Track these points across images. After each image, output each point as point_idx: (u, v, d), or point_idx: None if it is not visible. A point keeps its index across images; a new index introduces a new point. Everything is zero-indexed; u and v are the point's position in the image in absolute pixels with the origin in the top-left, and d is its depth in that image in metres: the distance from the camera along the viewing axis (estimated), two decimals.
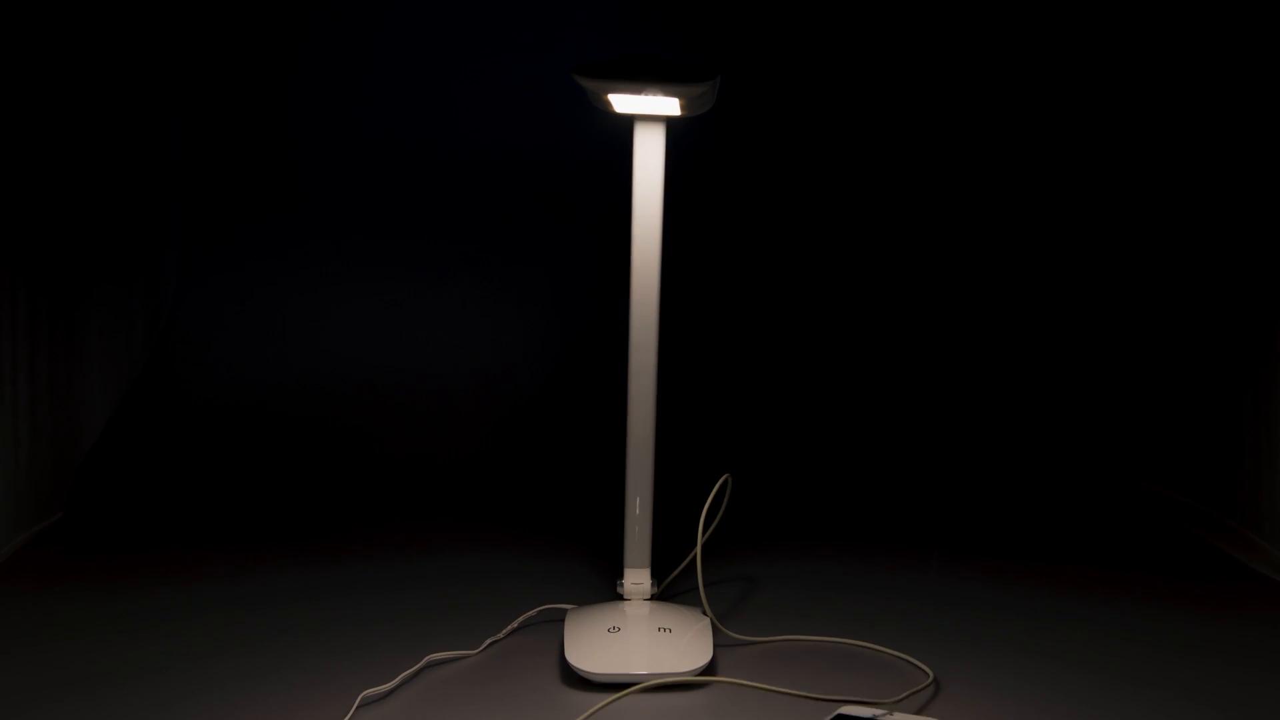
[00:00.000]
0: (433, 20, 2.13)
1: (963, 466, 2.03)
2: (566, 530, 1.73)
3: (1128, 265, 2.02)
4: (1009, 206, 2.16)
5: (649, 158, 1.29)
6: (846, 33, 2.16)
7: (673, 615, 1.32)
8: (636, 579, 1.35)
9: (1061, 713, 1.15)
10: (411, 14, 2.12)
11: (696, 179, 2.02)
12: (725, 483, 1.37)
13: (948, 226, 2.18)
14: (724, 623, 1.35)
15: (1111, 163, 2.05)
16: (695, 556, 1.34)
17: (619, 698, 1.15)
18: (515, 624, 1.35)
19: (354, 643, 1.30)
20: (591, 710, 1.11)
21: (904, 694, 1.18)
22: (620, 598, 1.36)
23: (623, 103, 1.25)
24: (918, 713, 1.14)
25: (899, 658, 1.28)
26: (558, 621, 1.34)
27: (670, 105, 1.25)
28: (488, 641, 1.30)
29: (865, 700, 1.16)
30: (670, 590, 1.44)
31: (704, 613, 1.33)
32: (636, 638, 1.28)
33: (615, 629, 1.28)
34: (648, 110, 1.27)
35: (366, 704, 1.15)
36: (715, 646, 1.26)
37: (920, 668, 1.24)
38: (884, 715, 1.12)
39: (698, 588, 1.33)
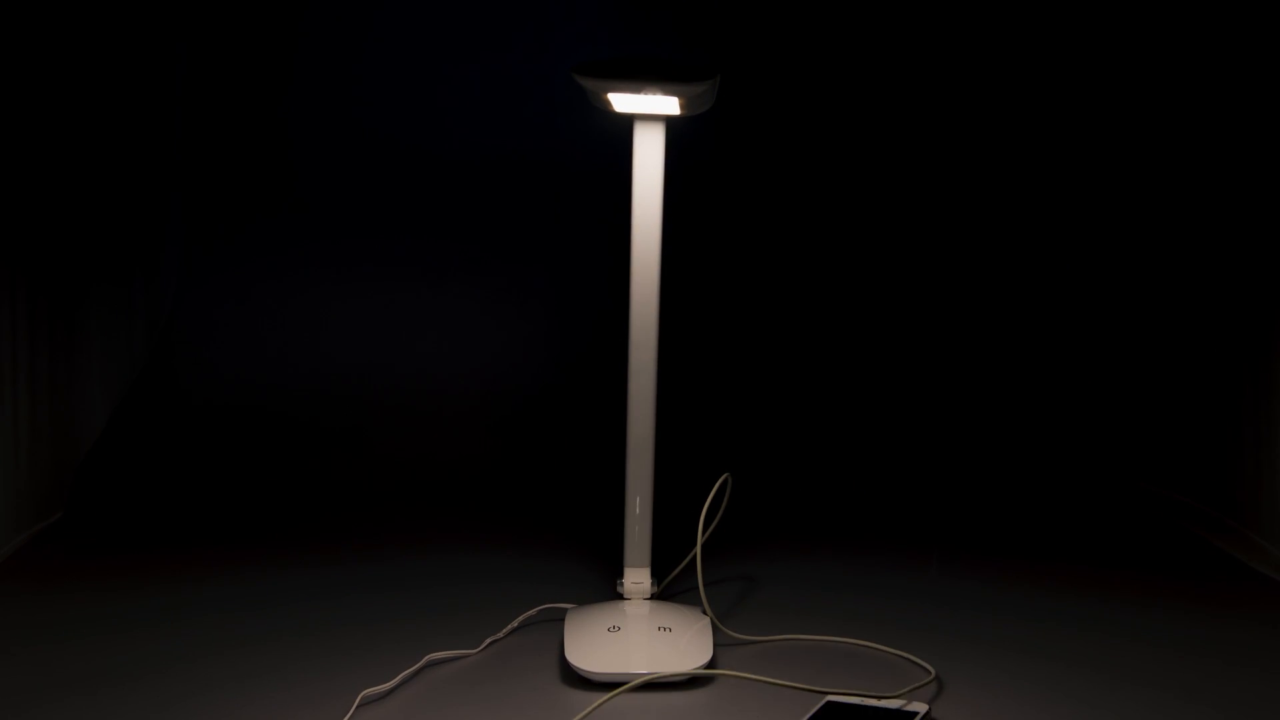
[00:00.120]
0: (432, 20, 2.13)
1: (963, 466, 2.03)
2: (566, 530, 1.73)
3: (1128, 265, 2.02)
4: (1009, 207, 2.16)
5: (649, 157, 1.29)
6: (846, 33, 2.16)
7: (673, 615, 1.32)
8: (636, 578, 1.35)
9: (1062, 713, 1.15)
10: (411, 14, 2.12)
11: (696, 179, 2.02)
12: (725, 482, 1.37)
13: (948, 227, 2.18)
14: (724, 622, 1.35)
15: (1111, 163, 2.05)
16: (695, 556, 1.35)
17: (615, 695, 1.15)
18: (515, 623, 1.35)
19: (354, 642, 1.30)
20: (589, 709, 1.11)
21: (906, 689, 1.18)
22: (620, 597, 1.36)
23: (622, 102, 1.25)
24: (931, 706, 1.15)
25: (901, 657, 1.28)
26: (558, 621, 1.34)
27: (670, 105, 1.25)
28: (488, 641, 1.30)
29: (855, 691, 1.16)
30: (670, 590, 1.44)
31: (704, 612, 1.33)
32: (636, 637, 1.28)
33: (615, 628, 1.28)
34: (647, 110, 1.27)
35: (366, 703, 1.15)
36: (715, 646, 1.26)
37: (922, 666, 1.24)
38: (872, 700, 1.13)
39: (698, 587, 1.33)
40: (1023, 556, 1.65)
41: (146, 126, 2.02)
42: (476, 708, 1.15)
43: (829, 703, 1.14)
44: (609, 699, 1.13)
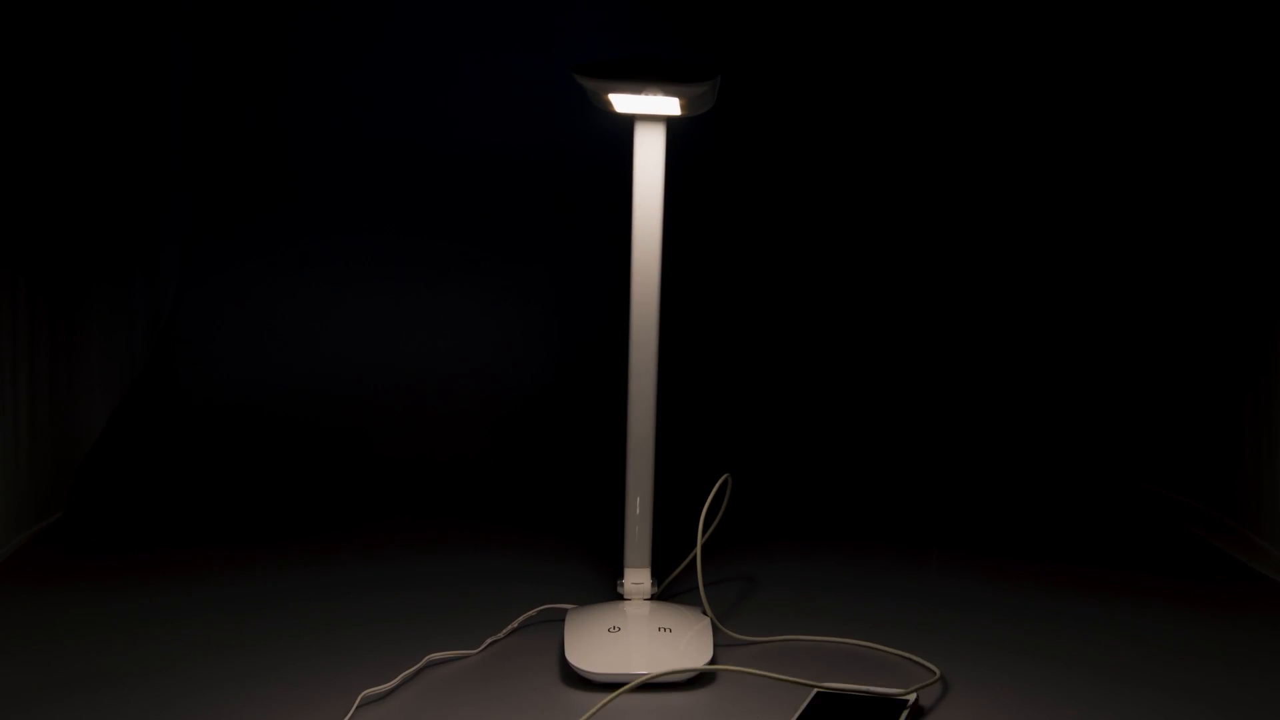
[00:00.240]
0: (432, 19, 2.13)
1: (962, 466, 2.03)
2: (567, 530, 1.73)
3: (1128, 266, 2.02)
4: (1009, 207, 2.16)
5: (649, 157, 1.29)
6: (846, 33, 2.16)
7: (673, 615, 1.32)
8: (637, 579, 1.35)
9: (1062, 713, 1.15)
10: (411, 13, 2.12)
11: (696, 179, 2.02)
12: (725, 483, 1.37)
13: (948, 227, 2.18)
14: (724, 623, 1.35)
15: (1112, 163, 2.05)
16: (695, 556, 1.35)
17: (615, 696, 1.15)
18: (515, 624, 1.35)
19: (354, 643, 1.30)
20: (593, 710, 1.11)
21: (912, 688, 1.18)
22: (620, 597, 1.36)
23: (623, 102, 1.25)
24: (932, 708, 1.15)
25: (903, 657, 1.28)
26: (558, 621, 1.34)
27: (670, 105, 1.25)
28: (488, 641, 1.30)
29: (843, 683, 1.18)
30: (670, 590, 1.44)
31: (704, 613, 1.33)
32: (637, 637, 1.28)
33: (615, 629, 1.28)
34: (648, 110, 1.27)
35: (366, 703, 1.15)
36: (715, 646, 1.26)
37: (926, 666, 1.25)
38: (862, 690, 1.15)
39: (698, 587, 1.33)
40: (1023, 556, 1.65)
41: (146, 126, 2.02)
42: (476, 708, 1.15)
43: (819, 693, 1.15)
44: (611, 699, 1.13)
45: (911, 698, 1.15)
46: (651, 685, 1.18)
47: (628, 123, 1.29)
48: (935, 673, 1.23)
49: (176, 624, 1.36)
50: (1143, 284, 1.99)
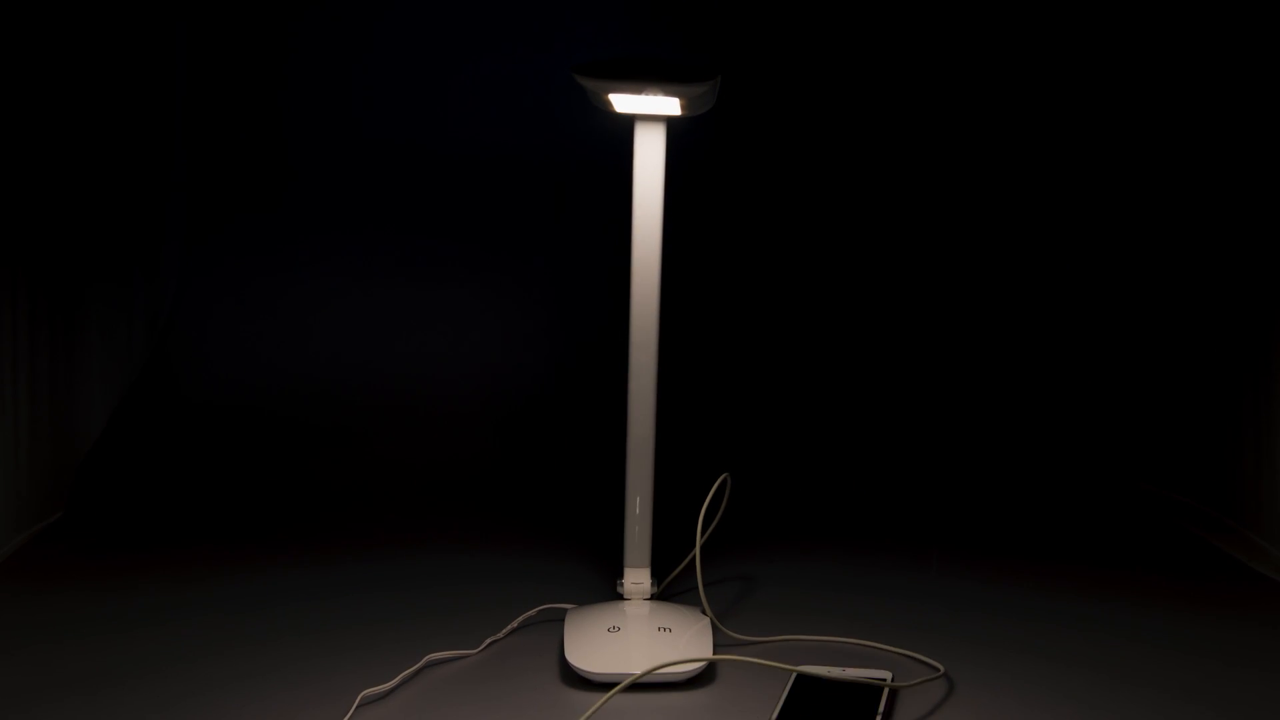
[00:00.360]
0: (432, 18, 2.13)
1: (962, 466, 2.03)
2: (566, 530, 1.73)
3: (1128, 266, 2.02)
4: (1009, 207, 2.16)
5: (649, 157, 1.29)
6: (846, 33, 2.16)
7: (673, 615, 1.32)
8: (636, 578, 1.35)
9: (1062, 713, 1.15)
10: (411, 12, 2.12)
11: (696, 179, 2.02)
12: (724, 482, 1.37)
13: (948, 227, 2.18)
14: (724, 622, 1.35)
15: (1112, 163, 2.05)
16: (695, 556, 1.35)
17: (615, 693, 1.15)
18: (515, 624, 1.35)
19: (354, 642, 1.30)
20: (593, 709, 1.11)
21: (916, 681, 1.19)
22: (620, 597, 1.36)
23: (623, 102, 1.25)
24: (931, 709, 1.15)
25: (907, 655, 1.28)
26: (557, 621, 1.34)
27: (670, 105, 1.25)
28: (487, 641, 1.30)
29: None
30: (670, 590, 1.44)
31: (704, 612, 1.33)
32: (636, 637, 1.28)
33: (615, 628, 1.28)
34: (648, 110, 1.27)
35: (366, 703, 1.15)
36: (715, 646, 1.26)
37: (930, 664, 1.25)
38: (839, 672, 1.18)
39: (697, 587, 1.33)
40: (1023, 556, 1.65)
41: (146, 125, 2.02)
42: (476, 708, 1.15)
43: (800, 675, 1.17)
44: (610, 696, 1.13)
45: (888, 675, 1.18)
46: (652, 685, 1.18)
47: (628, 123, 1.29)
48: (939, 669, 1.23)
49: (176, 624, 1.36)
50: (1142, 285, 1.99)
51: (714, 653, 1.24)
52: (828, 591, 1.49)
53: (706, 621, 1.31)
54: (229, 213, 2.14)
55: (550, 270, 2.17)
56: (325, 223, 2.14)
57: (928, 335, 2.17)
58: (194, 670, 1.23)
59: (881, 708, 1.13)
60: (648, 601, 1.35)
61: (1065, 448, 2.05)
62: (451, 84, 2.14)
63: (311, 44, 2.13)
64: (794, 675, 1.18)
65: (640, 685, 1.17)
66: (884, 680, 1.18)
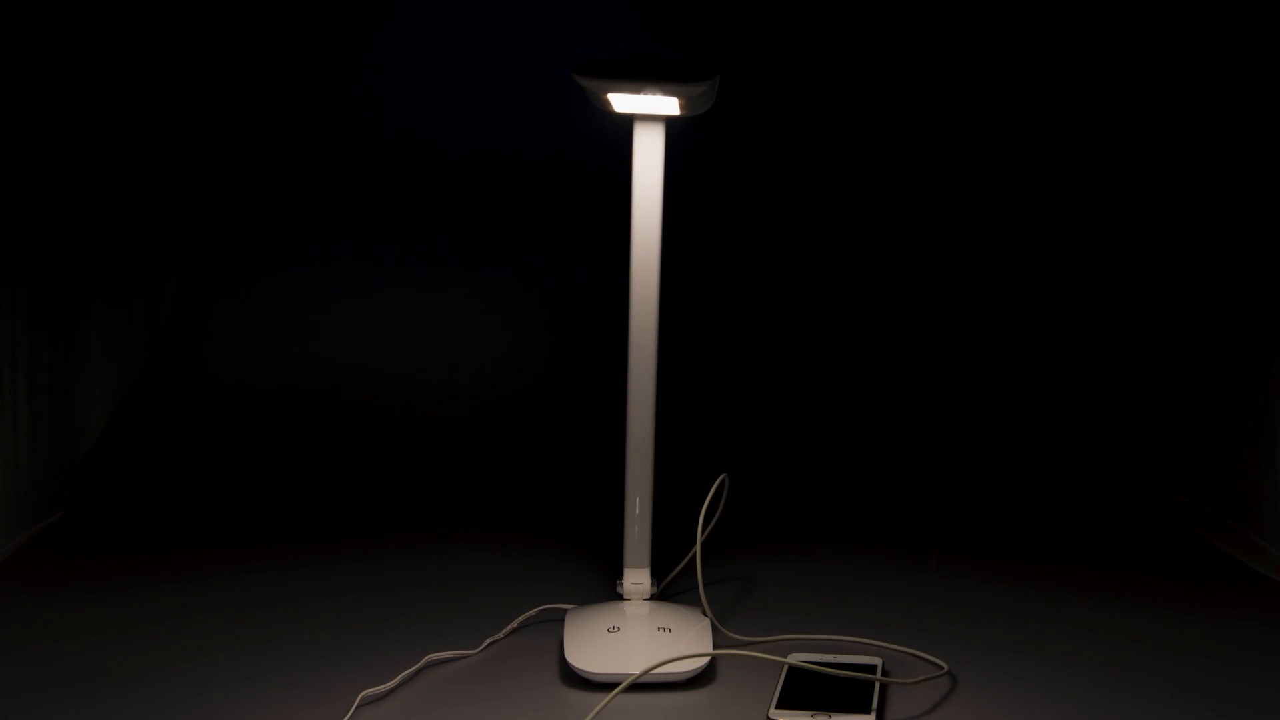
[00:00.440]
0: (433, 19, 2.13)
1: (962, 466, 2.03)
2: (566, 530, 1.73)
3: (1128, 266, 2.02)
4: (1009, 207, 2.16)
5: (648, 157, 1.29)
6: (846, 33, 2.16)
7: (672, 615, 1.32)
8: (636, 579, 1.35)
9: (1063, 713, 1.15)
10: (410, 11, 2.12)
11: (696, 179, 2.02)
12: (723, 482, 1.37)
13: (948, 227, 2.18)
14: (724, 623, 1.35)
15: (1111, 163, 2.05)
16: (695, 556, 1.35)
17: (617, 693, 1.15)
18: (515, 624, 1.35)
19: (354, 643, 1.30)
20: (595, 710, 1.11)
21: (919, 678, 1.19)
22: (620, 597, 1.36)
23: (622, 102, 1.25)
24: (933, 707, 1.15)
25: (910, 654, 1.28)
26: (557, 621, 1.34)
27: (670, 105, 1.25)
28: (487, 641, 1.30)
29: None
30: (670, 590, 1.44)
31: (704, 613, 1.33)
32: (636, 637, 1.28)
33: (615, 629, 1.28)
34: (647, 110, 1.27)
35: (366, 704, 1.15)
36: (715, 646, 1.26)
37: (934, 662, 1.25)
38: (830, 659, 1.21)
39: (697, 587, 1.33)
40: (1023, 556, 1.65)
41: (146, 126, 2.02)
42: (476, 708, 1.15)
43: (790, 667, 1.19)
44: (612, 697, 1.13)
45: (878, 662, 1.21)
46: (652, 685, 1.18)
47: (627, 122, 1.29)
48: (943, 667, 1.23)
49: (176, 624, 1.36)
50: (1142, 285, 1.99)
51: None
52: (828, 591, 1.49)
53: (706, 622, 1.31)
54: (229, 213, 2.14)
55: (550, 270, 2.17)
56: (325, 223, 2.14)
57: (927, 335, 2.17)
58: (194, 670, 1.23)
59: (876, 694, 1.14)
60: (647, 602, 1.35)
61: (1065, 448, 2.05)
62: (452, 84, 2.14)
63: (312, 44, 2.13)
64: (785, 667, 1.19)
65: (640, 685, 1.17)
66: (874, 667, 1.20)
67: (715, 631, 1.31)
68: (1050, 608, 1.44)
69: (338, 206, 2.14)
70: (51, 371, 1.74)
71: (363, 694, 1.15)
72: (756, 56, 2.14)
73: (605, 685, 1.17)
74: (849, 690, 1.15)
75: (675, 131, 1.30)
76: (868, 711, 1.11)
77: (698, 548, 1.34)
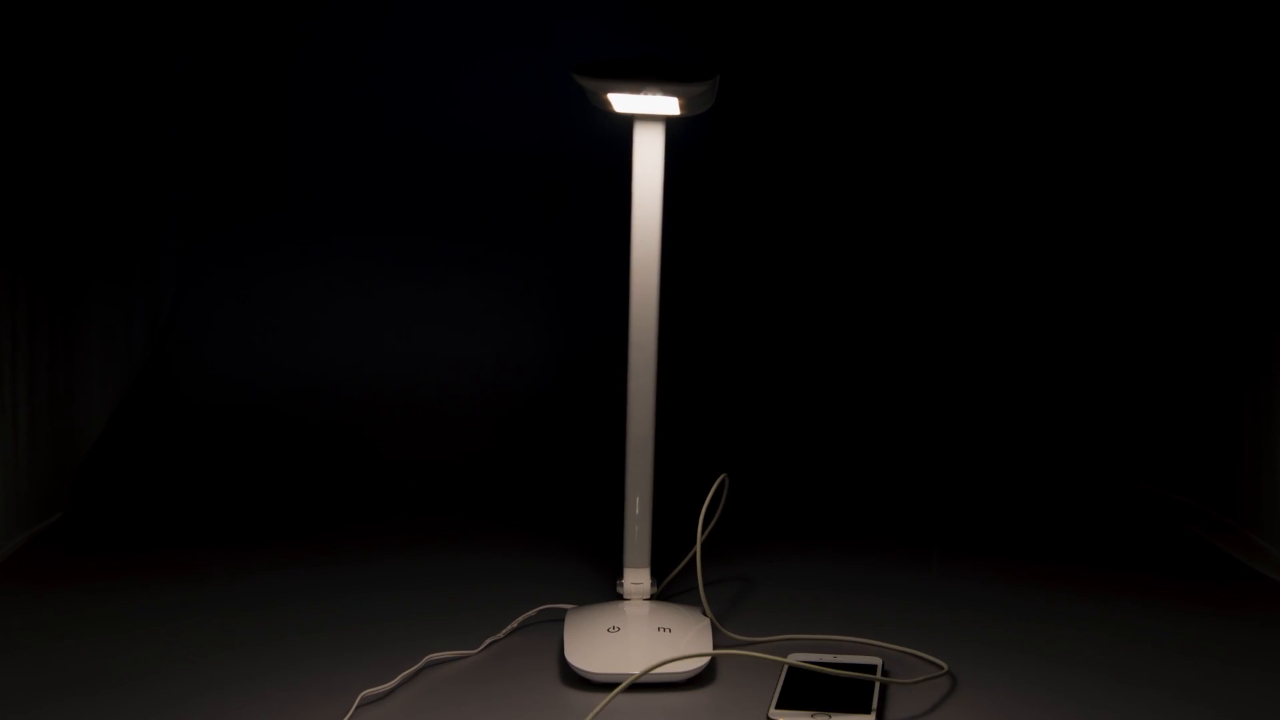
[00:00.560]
0: (432, 19, 2.13)
1: (963, 466, 2.03)
2: (566, 530, 1.73)
3: (1128, 266, 2.02)
4: (1009, 207, 2.16)
5: (648, 157, 1.29)
6: (846, 32, 2.16)
7: (672, 615, 1.32)
8: (636, 579, 1.35)
9: (1062, 713, 1.15)
10: (411, 11, 2.12)
11: (696, 179, 2.02)
12: (723, 482, 1.37)
13: (947, 226, 2.18)
14: (724, 623, 1.35)
15: (1111, 163, 2.05)
16: (695, 556, 1.35)
17: (616, 693, 1.15)
18: (515, 624, 1.35)
19: (354, 643, 1.30)
20: (595, 710, 1.11)
21: (919, 678, 1.19)
22: (620, 598, 1.36)
23: (622, 102, 1.25)
24: (933, 707, 1.15)
25: (910, 654, 1.28)
26: (557, 621, 1.34)
27: (670, 105, 1.25)
28: (487, 641, 1.30)
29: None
30: (670, 590, 1.44)
31: (704, 613, 1.33)
32: (636, 637, 1.28)
33: (615, 629, 1.28)
34: (647, 110, 1.27)
35: (366, 704, 1.15)
36: (715, 647, 1.26)
37: (934, 662, 1.25)
38: (830, 659, 1.22)
39: (698, 587, 1.33)
40: (1023, 556, 1.65)
41: (146, 126, 2.02)
42: (476, 708, 1.15)
43: (790, 667, 1.20)
44: (612, 697, 1.13)
45: (879, 662, 1.22)
46: (652, 685, 1.18)
47: (627, 122, 1.29)
48: (943, 667, 1.23)
49: (176, 624, 1.36)
50: (1142, 285, 1.99)
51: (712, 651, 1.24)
52: (828, 591, 1.49)
53: (707, 622, 1.31)
54: (229, 213, 2.14)
55: (550, 270, 2.17)
56: (326, 223, 2.14)
57: (927, 335, 2.17)
58: (194, 670, 1.23)
59: (876, 694, 1.15)
60: (647, 602, 1.35)
61: (1065, 448, 2.05)
62: (452, 84, 2.14)
63: (312, 44, 2.13)
64: (785, 667, 1.20)
65: (640, 685, 1.17)
66: (875, 667, 1.20)
67: (715, 631, 1.31)
68: (1050, 608, 1.44)
69: (338, 207, 2.14)
70: (51, 371, 1.74)
71: (363, 694, 1.15)
72: (756, 56, 2.14)
73: (605, 685, 1.17)
74: (849, 690, 1.15)
75: (675, 131, 1.30)
76: (868, 711, 1.11)
77: (698, 548, 1.34)
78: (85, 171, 1.84)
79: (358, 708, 1.14)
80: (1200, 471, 1.81)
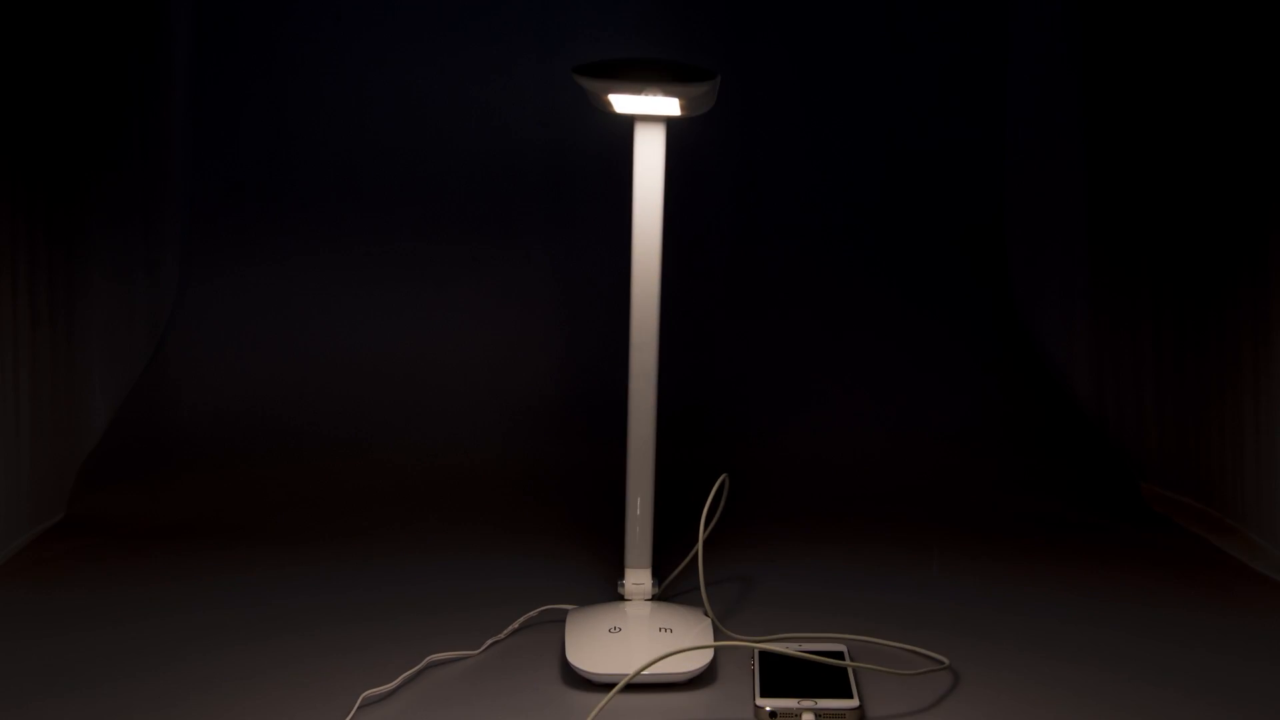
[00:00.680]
0: (433, 19, 2.13)
1: (962, 466, 2.03)
2: (567, 530, 1.73)
3: (1127, 266, 2.02)
4: (1008, 206, 2.16)
5: (649, 158, 1.29)
6: (846, 33, 2.16)
7: (674, 615, 1.32)
8: (637, 579, 1.35)
9: (1064, 708, 1.15)
10: (411, 12, 2.12)
11: (696, 179, 2.02)
12: (723, 483, 1.37)
13: (948, 226, 2.18)
14: (725, 622, 1.35)
15: (1111, 163, 2.05)
16: (696, 556, 1.35)
17: (615, 692, 1.15)
18: (516, 624, 1.35)
19: (354, 643, 1.30)
20: (596, 709, 1.11)
21: (921, 670, 1.19)
22: (621, 598, 1.36)
23: (623, 103, 1.25)
24: (936, 702, 1.15)
25: (911, 650, 1.28)
26: (559, 622, 1.34)
27: (670, 106, 1.25)
28: (489, 642, 1.30)
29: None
30: (671, 590, 1.45)
31: (705, 613, 1.33)
32: (637, 638, 1.28)
33: (616, 629, 1.28)
34: (648, 110, 1.27)
35: (367, 704, 1.15)
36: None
37: (934, 658, 1.25)
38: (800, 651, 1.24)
39: (699, 587, 1.33)
40: (1023, 556, 1.65)
41: (147, 125, 2.02)
42: (477, 709, 1.15)
43: (761, 652, 1.22)
44: (613, 695, 1.13)
45: (843, 648, 1.24)
46: (652, 685, 1.18)
47: (628, 123, 1.29)
48: (944, 662, 1.23)
49: (176, 624, 1.36)
50: (1142, 284, 1.99)
51: (715, 652, 1.24)
52: (828, 590, 1.49)
53: (708, 622, 1.31)
54: (229, 212, 2.13)
55: (551, 270, 2.17)
56: (326, 223, 2.14)
57: (927, 335, 2.17)
58: (194, 670, 1.23)
59: (852, 679, 1.17)
60: (649, 602, 1.35)
61: (1065, 448, 2.05)
62: (452, 84, 2.14)
63: (312, 44, 2.12)
64: (756, 653, 1.22)
65: (640, 685, 1.17)
66: (841, 653, 1.23)
67: (716, 631, 1.31)
68: (1051, 607, 1.44)
69: (339, 207, 2.14)
70: (52, 372, 1.74)
71: (364, 694, 1.15)
72: (756, 56, 2.14)
73: (606, 686, 1.17)
74: (828, 677, 1.17)
75: (675, 131, 1.30)
76: (849, 696, 1.13)
77: (699, 547, 1.34)
78: (86, 171, 1.84)
79: (359, 708, 1.14)
80: (1200, 471, 1.81)
